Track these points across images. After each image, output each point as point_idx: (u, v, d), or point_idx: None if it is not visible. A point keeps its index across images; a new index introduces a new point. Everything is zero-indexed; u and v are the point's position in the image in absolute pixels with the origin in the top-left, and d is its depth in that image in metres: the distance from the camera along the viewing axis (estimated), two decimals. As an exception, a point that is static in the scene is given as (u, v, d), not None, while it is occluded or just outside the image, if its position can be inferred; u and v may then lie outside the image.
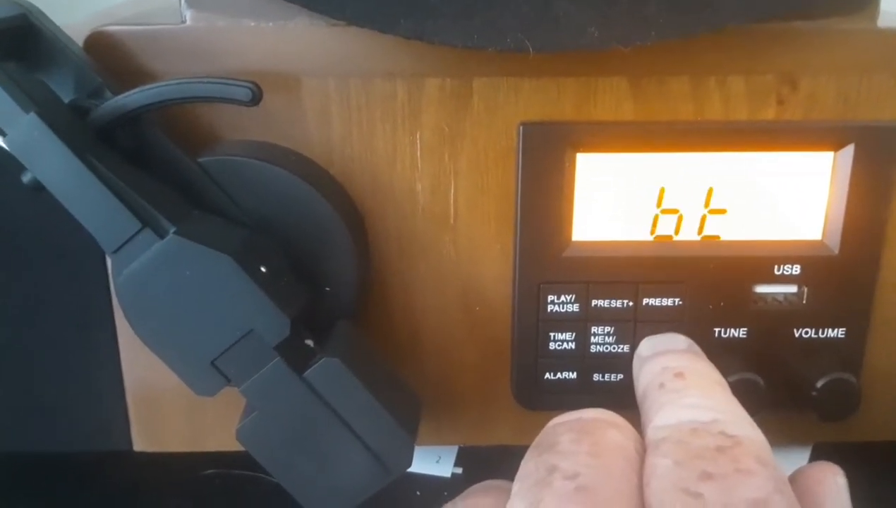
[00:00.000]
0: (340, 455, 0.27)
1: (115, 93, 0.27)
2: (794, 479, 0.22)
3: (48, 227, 0.31)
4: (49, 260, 0.32)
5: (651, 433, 0.21)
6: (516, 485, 0.20)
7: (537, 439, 0.22)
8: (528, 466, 0.21)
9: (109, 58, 0.29)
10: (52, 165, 0.24)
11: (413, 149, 0.30)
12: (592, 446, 0.20)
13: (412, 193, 0.31)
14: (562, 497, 0.18)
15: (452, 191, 0.31)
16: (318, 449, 0.27)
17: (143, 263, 0.25)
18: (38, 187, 0.26)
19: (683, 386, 0.24)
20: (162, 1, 0.37)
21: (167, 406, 0.33)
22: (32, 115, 0.24)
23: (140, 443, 0.34)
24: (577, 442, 0.20)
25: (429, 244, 0.32)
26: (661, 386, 0.24)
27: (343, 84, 0.30)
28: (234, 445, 0.28)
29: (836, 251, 0.31)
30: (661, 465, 0.19)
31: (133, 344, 0.32)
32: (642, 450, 0.21)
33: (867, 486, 0.23)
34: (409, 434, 0.27)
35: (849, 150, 0.30)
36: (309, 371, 0.26)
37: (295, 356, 0.26)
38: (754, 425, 0.22)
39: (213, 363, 0.26)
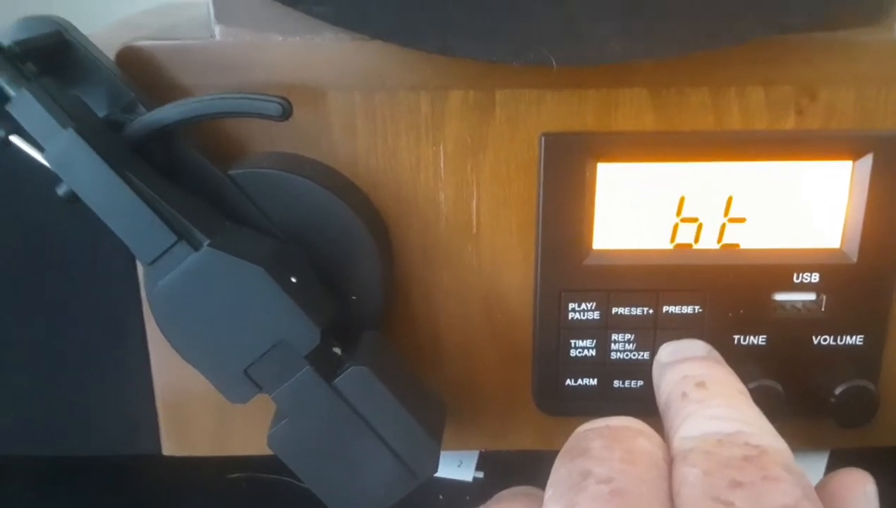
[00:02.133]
0: (368, 460, 0.27)
1: (148, 108, 0.28)
2: (822, 485, 0.22)
3: (79, 235, 0.32)
4: (80, 267, 0.33)
5: (678, 443, 0.22)
6: (549, 491, 0.21)
7: (567, 445, 0.22)
8: (560, 472, 0.21)
9: (140, 72, 0.30)
10: (90, 179, 0.25)
11: (436, 160, 0.31)
12: (625, 453, 0.21)
13: (435, 203, 0.32)
14: (597, 501, 0.19)
15: (475, 200, 0.32)
16: (346, 455, 0.27)
17: (177, 275, 0.26)
18: (72, 200, 0.26)
19: (706, 396, 0.24)
20: (184, 9, 0.38)
21: (195, 410, 0.34)
22: (70, 131, 0.25)
23: (169, 447, 0.34)
24: (609, 449, 0.21)
25: (452, 253, 0.32)
26: (684, 395, 0.25)
27: (368, 97, 0.30)
28: (261, 449, 0.29)
29: (855, 259, 0.31)
30: (690, 474, 0.20)
31: (163, 349, 0.32)
32: (669, 459, 0.22)
33: (885, 492, 0.24)
34: (436, 440, 0.28)
35: (867, 160, 0.30)
36: (338, 379, 0.27)
37: (324, 364, 0.27)
38: (777, 435, 0.22)
39: (245, 371, 0.26)
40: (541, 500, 0.21)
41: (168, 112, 0.26)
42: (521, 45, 0.27)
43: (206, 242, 0.25)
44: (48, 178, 0.26)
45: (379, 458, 0.27)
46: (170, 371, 0.33)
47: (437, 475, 0.39)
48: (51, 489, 0.40)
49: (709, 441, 0.21)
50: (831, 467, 0.38)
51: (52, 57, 0.28)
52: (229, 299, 0.26)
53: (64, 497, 0.39)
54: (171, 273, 0.25)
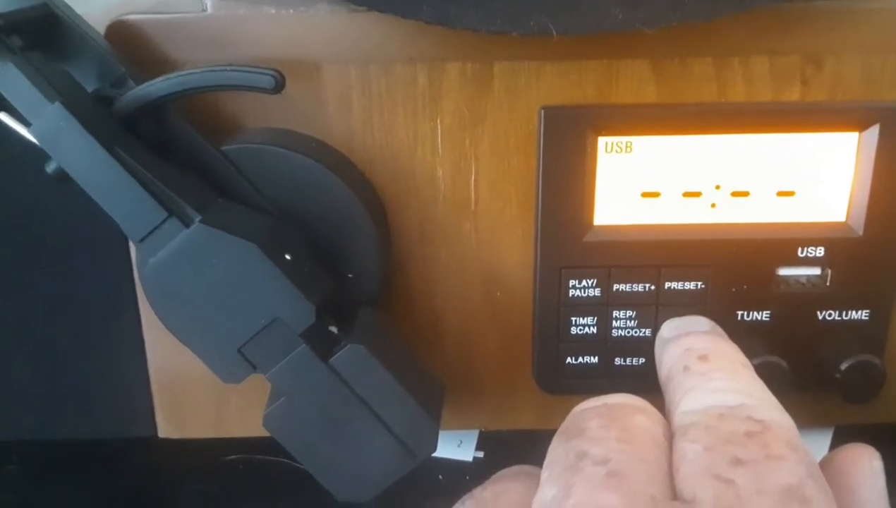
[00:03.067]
0: (366, 440, 0.27)
1: (138, 83, 0.27)
2: (827, 461, 0.21)
3: (71, 217, 0.31)
4: (72, 249, 0.32)
5: (678, 418, 0.21)
6: (545, 472, 0.20)
7: (564, 425, 0.22)
8: (557, 452, 0.21)
9: (131, 47, 0.29)
10: (78, 155, 0.24)
11: (434, 135, 0.30)
12: (622, 431, 0.20)
13: (433, 179, 0.31)
14: (593, 483, 0.18)
15: (473, 176, 0.31)
16: (343, 435, 0.27)
17: (168, 252, 0.25)
18: (62, 177, 0.26)
19: (709, 369, 0.24)
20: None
21: (191, 393, 0.33)
22: (57, 105, 0.24)
23: (165, 430, 0.34)
24: (605, 428, 0.20)
25: (450, 230, 0.32)
26: (686, 369, 0.24)
27: (363, 70, 0.29)
28: (257, 431, 0.28)
29: (861, 232, 0.31)
30: (690, 451, 0.19)
31: (157, 332, 0.32)
32: (669, 435, 0.21)
33: (891, 467, 0.23)
34: (434, 418, 0.28)
35: (874, 131, 0.30)
36: (334, 357, 0.26)
37: (320, 343, 0.26)
38: (781, 408, 0.21)
39: (239, 350, 0.26)
40: (539, 479, 0.21)
41: (158, 85, 0.26)
42: (520, 14, 0.26)
43: (198, 218, 0.25)
44: (38, 157, 0.26)
45: (376, 438, 0.27)
46: (165, 353, 0.33)
47: (437, 455, 0.39)
48: (48, 473, 0.39)
49: (710, 414, 0.21)
50: (836, 443, 0.37)
51: (39, 30, 0.27)
52: (222, 277, 0.25)
53: (61, 480, 0.39)
54: (161, 250, 0.25)
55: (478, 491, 0.23)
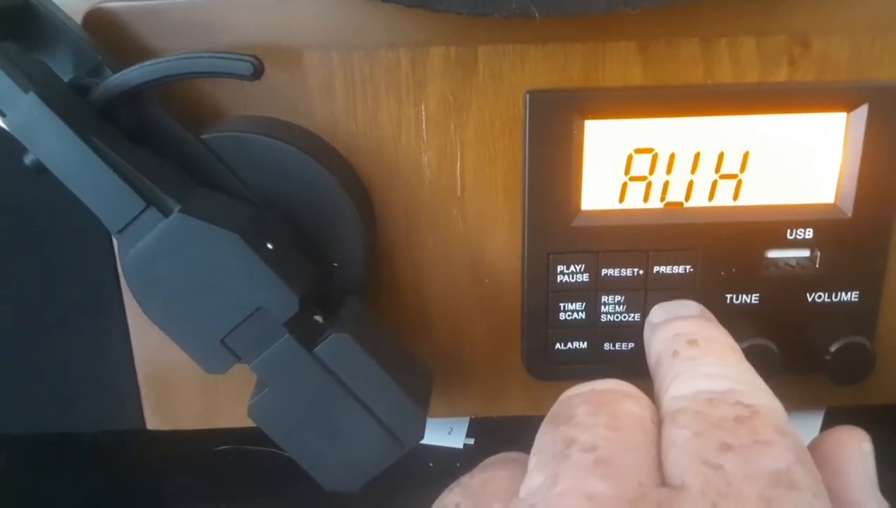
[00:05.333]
0: (353, 429, 0.27)
1: (115, 71, 0.26)
2: (816, 444, 0.21)
3: (53, 208, 0.31)
4: (56, 241, 0.32)
5: (667, 403, 0.21)
6: (533, 459, 0.20)
7: (552, 411, 0.22)
8: (545, 439, 0.20)
9: (108, 35, 0.28)
10: (54, 145, 0.24)
11: (418, 121, 0.30)
12: (609, 418, 0.20)
13: (418, 165, 0.31)
14: (581, 470, 0.18)
15: (459, 162, 0.31)
16: (330, 424, 0.27)
17: (148, 242, 0.25)
18: (40, 169, 0.25)
19: (698, 354, 0.23)
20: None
21: (179, 384, 0.33)
22: (31, 95, 0.24)
23: (153, 422, 0.34)
24: (593, 415, 0.20)
25: (436, 216, 0.31)
26: (675, 354, 0.24)
27: (346, 56, 0.29)
28: (246, 421, 0.28)
29: (850, 214, 0.31)
30: (679, 436, 0.19)
31: (142, 323, 0.32)
32: (658, 420, 0.21)
33: (881, 449, 0.23)
34: (421, 407, 0.27)
35: (862, 111, 0.29)
36: (319, 347, 0.26)
37: (304, 332, 0.26)
38: (770, 393, 0.21)
39: (222, 341, 0.26)
40: (526, 466, 0.21)
41: (134, 73, 0.25)
42: (502, -4, 0.25)
43: (177, 208, 0.25)
44: (18, 148, 0.25)
45: (363, 427, 0.27)
46: (151, 344, 0.32)
47: (427, 442, 0.39)
48: (37, 466, 0.39)
49: (699, 400, 0.21)
50: (827, 425, 0.37)
51: (13, 20, 0.26)
52: (203, 267, 0.25)
53: (50, 473, 0.39)
54: (141, 241, 0.25)
55: (465, 479, 0.23)
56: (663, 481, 0.19)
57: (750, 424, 0.19)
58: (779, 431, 0.19)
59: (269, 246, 0.25)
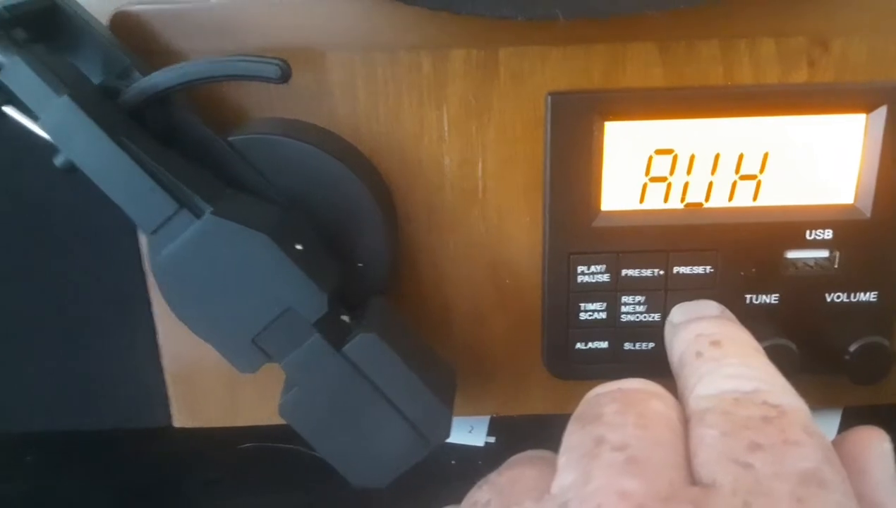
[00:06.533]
0: (380, 427, 0.27)
1: (143, 74, 0.27)
2: (838, 443, 0.21)
3: (81, 209, 0.31)
4: (83, 241, 0.32)
5: (693, 403, 0.21)
6: (563, 457, 0.20)
7: (578, 410, 0.22)
8: (573, 438, 0.21)
9: (134, 38, 0.29)
10: (87, 148, 0.24)
11: (440, 123, 0.30)
12: (638, 417, 0.20)
13: (440, 167, 0.31)
14: (612, 469, 0.19)
15: (480, 163, 0.31)
16: (358, 422, 0.27)
17: (180, 244, 0.25)
18: (70, 169, 0.26)
19: (722, 355, 0.24)
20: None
21: (205, 381, 0.34)
22: (65, 98, 0.24)
23: (180, 419, 0.34)
24: (622, 414, 0.20)
25: (457, 217, 0.32)
26: (699, 354, 0.24)
27: (368, 58, 0.29)
28: (270, 419, 0.29)
29: (868, 214, 0.31)
30: (708, 436, 0.19)
31: (169, 322, 0.32)
32: (684, 420, 0.21)
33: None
34: (447, 404, 0.28)
35: (881, 112, 0.30)
36: (347, 346, 0.26)
37: (333, 331, 0.27)
38: (795, 393, 0.22)
39: (253, 340, 0.26)
40: (553, 465, 0.21)
41: (164, 76, 0.26)
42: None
43: (209, 210, 0.25)
44: (47, 150, 0.26)
45: (391, 424, 0.27)
46: (177, 342, 0.33)
47: (448, 440, 0.39)
48: (64, 463, 0.40)
49: (726, 399, 0.21)
50: (844, 424, 0.37)
51: (43, 23, 0.27)
52: (234, 267, 0.25)
53: (77, 471, 0.39)
54: (173, 242, 0.25)
55: (493, 476, 0.23)
56: (692, 479, 0.19)
57: (778, 424, 0.19)
58: (806, 431, 0.19)
59: (298, 246, 0.26)
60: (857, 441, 0.22)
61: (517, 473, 0.22)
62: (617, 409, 0.21)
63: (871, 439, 0.22)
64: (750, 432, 0.19)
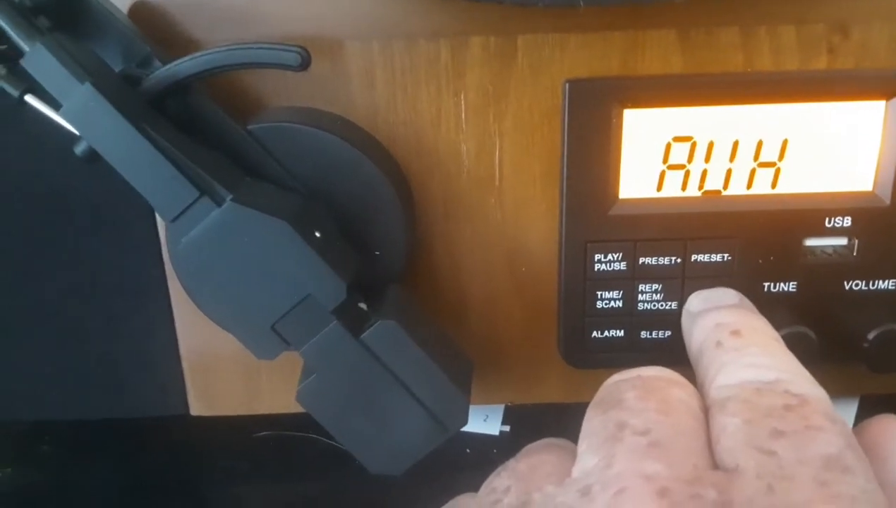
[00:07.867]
0: (398, 414, 0.27)
1: (164, 62, 0.27)
2: (859, 431, 0.21)
3: (99, 197, 0.32)
4: (100, 229, 0.32)
5: (714, 392, 0.21)
6: (583, 443, 0.20)
7: (598, 396, 0.22)
8: (594, 423, 0.21)
9: (153, 26, 0.29)
10: (109, 135, 0.25)
11: (457, 111, 0.30)
12: (660, 403, 0.20)
13: (457, 155, 0.31)
14: (635, 453, 0.19)
15: (497, 151, 0.31)
16: (376, 409, 0.27)
17: (201, 231, 0.25)
18: (90, 158, 0.26)
19: (742, 344, 0.24)
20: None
21: (222, 370, 0.34)
22: (88, 85, 0.24)
23: (197, 408, 0.34)
24: (643, 399, 0.20)
25: (474, 205, 0.32)
26: (719, 344, 0.24)
27: (386, 46, 0.29)
28: (287, 407, 0.29)
29: (888, 202, 0.31)
30: (730, 424, 0.19)
31: (187, 310, 0.32)
32: (704, 408, 0.21)
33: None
34: (464, 392, 0.28)
35: (902, 99, 0.29)
36: (366, 333, 0.27)
37: (351, 319, 0.27)
38: (815, 382, 0.22)
39: (272, 327, 0.26)
40: (571, 452, 0.21)
41: (185, 64, 0.26)
42: (546, -14, 0.26)
43: (230, 197, 0.25)
44: (67, 139, 0.26)
45: (408, 412, 0.27)
46: (195, 331, 0.33)
47: (463, 429, 0.39)
48: (81, 452, 0.40)
49: (747, 389, 0.21)
50: (862, 412, 0.37)
51: (64, 11, 0.27)
52: (254, 255, 0.25)
53: (94, 459, 0.40)
54: (194, 229, 0.25)
55: (512, 463, 0.23)
56: (715, 466, 0.19)
57: (800, 411, 0.19)
58: (828, 418, 0.19)
59: (317, 234, 0.26)
60: (879, 428, 0.22)
61: (536, 459, 0.22)
62: (638, 395, 0.21)
63: (893, 427, 0.22)
64: (772, 420, 0.19)
